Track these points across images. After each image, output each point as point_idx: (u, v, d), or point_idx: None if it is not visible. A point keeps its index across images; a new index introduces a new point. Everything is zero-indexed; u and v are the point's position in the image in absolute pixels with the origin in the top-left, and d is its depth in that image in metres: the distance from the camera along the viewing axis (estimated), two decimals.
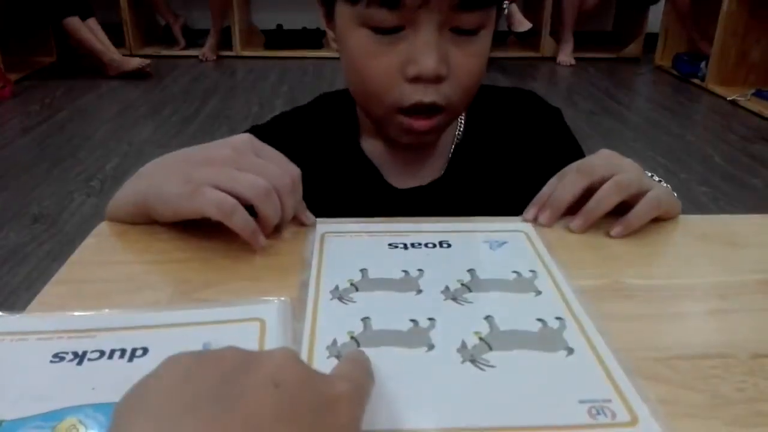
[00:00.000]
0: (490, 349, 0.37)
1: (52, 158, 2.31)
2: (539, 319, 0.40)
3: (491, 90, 0.72)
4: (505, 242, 0.50)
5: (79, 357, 0.35)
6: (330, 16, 0.59)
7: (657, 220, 0.52)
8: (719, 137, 2.69)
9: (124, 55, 3.67)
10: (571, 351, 0.37)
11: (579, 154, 0.69)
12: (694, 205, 2.01)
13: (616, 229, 0.50)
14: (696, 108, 3.19)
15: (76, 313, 0.39)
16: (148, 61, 3.44)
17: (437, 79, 0.54)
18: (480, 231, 0.52)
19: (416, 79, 0.54)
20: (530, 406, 0.33)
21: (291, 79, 3.44)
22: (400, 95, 0.56)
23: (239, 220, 0.45)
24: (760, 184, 2.21)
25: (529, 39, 3.85)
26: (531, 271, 0.46)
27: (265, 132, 0.61)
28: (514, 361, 0.36)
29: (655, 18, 3.90)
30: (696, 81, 3.47)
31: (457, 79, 0.55)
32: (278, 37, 4.00)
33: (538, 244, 0.50)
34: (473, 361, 0.36)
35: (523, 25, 3.49)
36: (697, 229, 0.51)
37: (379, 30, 0.54)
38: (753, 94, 3.14)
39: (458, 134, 0.67)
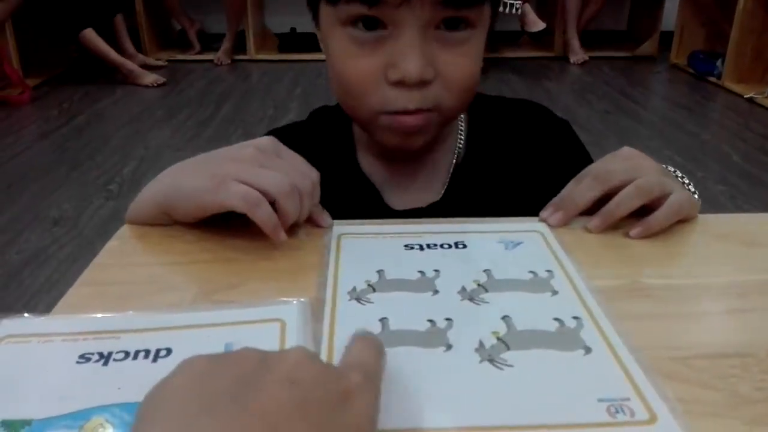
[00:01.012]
0: (508, 348, 0.37)
1: (71, 162, 2.34)
2: (556, 319, 0.40)
3: (497, 101, 0.70)
4: (520, 242, 0.50)
5: (105, 358, 0.36)
6: (317, 19, 0.58)
7: (679, 222, 0.52)
8: (736, 135, 2.66)
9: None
10: (588, 350, 0.37)
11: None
12: (711, 204, 2.00)
13: (635, 230, 0.50)
14: (712, 106, 3.16)
15: (100, 315, 0.39)
16: (163, 79, 3.48)
17: (422, 84, 0.52)
18: (495, 231, 0.52)
19: (400, 84, 0.52)
20: (549, 404, 0.33)
21: (305, 81, 3.46)
22: (384, 100, 0.53)
23: (263, 213, 0.45)
24: None
25: (543, 39, 3.84)
26: (547, 270, 0.46)
27: None
28: (532, 361, 0.36)
29: (670, 16, 3.87)
30: (712, 79, 3.44)
31: (446, 81, 0.53)
32: (292, 41, 4.02)
33: (553, 244, 0.50)
34: (491, 361, 0.36)
35: (536, 25, 3.47)
36: (714, 228, 0.51)
37: (361, 30, 0.52)
38: None
39: (459, 149, 0.65)
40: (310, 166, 0.49)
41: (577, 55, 3.87)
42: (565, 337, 0.38)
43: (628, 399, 0.33)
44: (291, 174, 0.47)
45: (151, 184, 0.54)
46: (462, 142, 0.65)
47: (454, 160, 0.64)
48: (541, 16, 3.56)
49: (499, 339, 0.38)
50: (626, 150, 0.54)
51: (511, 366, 0.36)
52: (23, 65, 3.22)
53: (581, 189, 0.51)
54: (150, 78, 3.45)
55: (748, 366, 0.36)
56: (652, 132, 2.76)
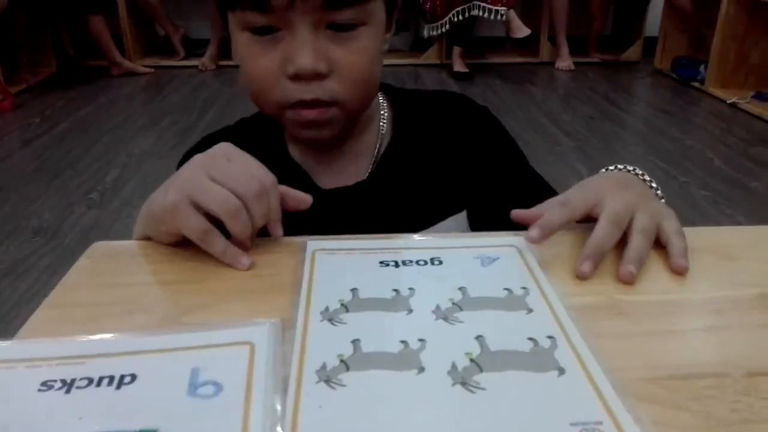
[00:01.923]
0: (481, 370, 0.36)
1: (52, 170, 2.31)
2: (530, 338, 0.39)
3: (419, 93, 0.74)
4: (497, 258, 0.50)
5: (68, 385, 0.35)
6: (228, 27, 0.61)
7: None
8: (719, 140, 2.69)
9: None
10: (562, 371, 0.37)
11: (513, 149, 0.71)
12: (694, 209, 2.01)
13: (681, 263, 0.48)
14: (695, 111, 3.19)
15: (65, 339, 0.38)
16: (152, 69, 3.61)
17: (317, 76, 0.56)
18: (472, 246, 0.51)
19: (296, 77, 0.56)
20: (520, 429, 0.33)
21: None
22: (284, 93, 0.58)
23: (217, 247, 0.48)
24: (760, 187, 2.20)
25: (528, 45, 3.86)
26: (523, 288, 0.45)
27: (197, 151, 0.61)
28: (505, 383, 0.36)
29: (654, 22, 3.91)
30: (696, 84, 3.47)
31: (341, 75, 0.57)
32: None
33: (530, 259, 0.49)
34: (464, 384, 0.35)
35: (521, 31, 3.48)
36: (690, 241, 0.50)
37: (257, 32, 0.56)
38: (753, 97, 3.14)
39: (381, 134, 0.68)
40: (263, 168, 0.50)
41: (565, 61, 3.90)
42: (538, 358, 0.38)
43: (600, 423, 0.33)
44: (238, 180, 0.47)
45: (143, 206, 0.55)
46: (384, 128, 0.68)
47: (378, 144, 0.68)
48: (526, 22, 3.58)
49: (472, 360, 0.37)
50: (598, 180, 0.55)
51: (483, 389, 0.35)
52: (5, 72, 3.19)
53: (605, 236, 0.49)
54: (140, 68, 3.68)
55: (725, 387, 0.36)
56: (635, 137, 2.78)
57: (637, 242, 0.48)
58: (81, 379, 0.35)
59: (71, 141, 2.65)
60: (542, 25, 3.95)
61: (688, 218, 1.96)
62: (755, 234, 0.56)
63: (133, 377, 0.35)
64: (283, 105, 0.59)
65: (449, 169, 0.66)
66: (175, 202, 0.47)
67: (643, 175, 0.59)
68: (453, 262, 0.49)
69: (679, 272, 0.48)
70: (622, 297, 0.45)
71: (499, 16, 3.43)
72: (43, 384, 0.35)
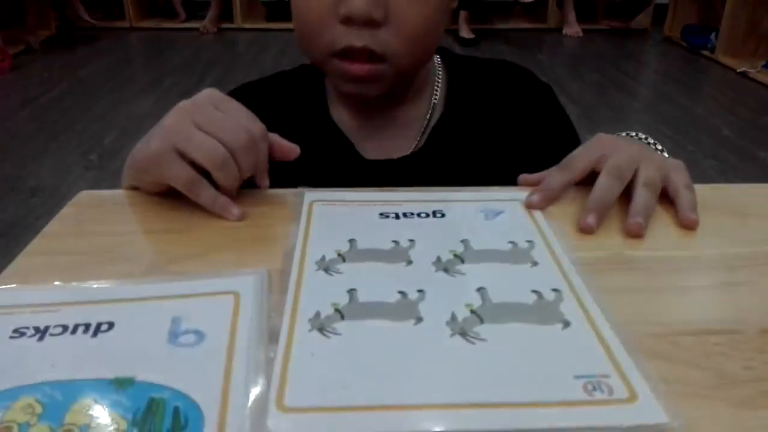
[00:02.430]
0: (482, 322, 0.35)
1: (51, 132, 2.29)
2: (534, 291, 0.38)
3: (478, 61, 0.68)
4: (501, 212, 0.47)
5: (41, 332, 0.33)
6: None
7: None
8: (728, 109, 2.64)
9: (122, 28, 3.64)
10: (567, 324, 0.35)
11: (571, 133, 0.66)
12: (702, 178, 1.97)
13: (691, 216, 0.46)
14: (705, 80, 3.13)
15: (39, 286, 0.36)
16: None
17: (370, 22, 0.51)
18: (476, 200, 0.49)
19: (348, 21, 0.51)
20: (522, 381, 0.31)
21: (292, 51, 3.39)
22: (332, 38, 0.53)
23: (206, 198, 0.46)
24: None
25: (536, 10, 3.78)
26: (528, 241, 0.43)
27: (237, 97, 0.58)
28: (507, 335, 0.34)
29: None
30: (705, 53, 3.40)
31: (397, 26, 0.52)
32: (280, 10, 3.93)
33: (536, 213, 0.47)
34: (463, 335, 0.34)
35: None
36: (703, 199, 0.48)
37: None
38: (763, 66, 3.07)
39: (434, 103, 0.63)
40: (252, 117, 0.47)
41: (573, 28, 3.83)
42: (542, 311, 0.36)
43: (607, 376, 0.31)
44: (225, 129, 0.44)
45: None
46: (437, 96, 0.64)
47: (429, 114, 0.63)
48: None
49: (472, 312, 0.36)
50: (603, 137, 0.51)
51: (483, 340, 0.33)
52: (3, 33, 3.14)
53: (605, 188, 0.46)
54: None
55: (736, 343, 0.34)
56: (643, 105, 2.74)
57: (641, 195, 0.46)
58: (55, 326, 0.33)
59: (70, 102, 2.62)
60: None
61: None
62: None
63: (111, 325, 0.33)
64: (331, 51, 0.54)
65: (503, 147, 0.61)
66: (159, 151, 0.44)
67: (647, 138, 0.56)
68: (456, 214, 0.47)
69: (689, 227, 0.46)
70: (631, 252, 0.43)
71: None
72: (15, 331, 0.33)
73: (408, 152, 0.62)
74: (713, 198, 0.50)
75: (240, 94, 0.63)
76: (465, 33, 3.59)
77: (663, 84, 3.10)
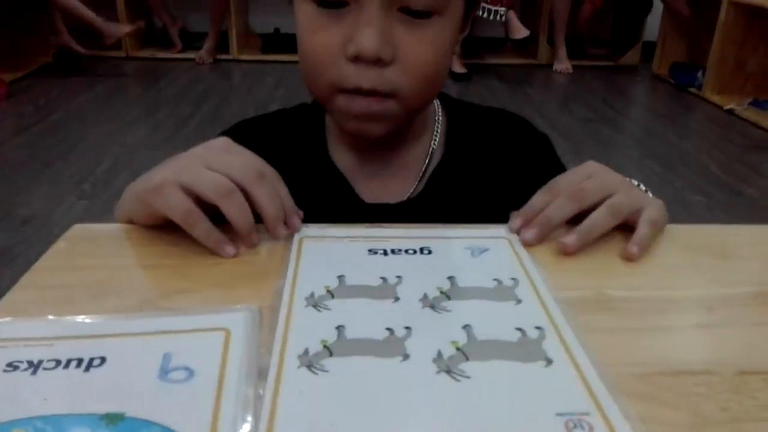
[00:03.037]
0: (467, 359, 0.36)
1: (44, 160, 2.29)
2: (518, 329, 0.38)
3: (477, 108, 0.70)
4: (487, 249, 0.49)
5: (34, 366, 0.33)
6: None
7: None
8: (715, 146, 2.68)
9: (119, 58, 3.67)
10: (549, 362, 0.36)
11: None
12: (689, 214, 2.00)
13: (633, 249, 0.48)
14: (693, 117, 3.19)
15: (33, 320, 0.37)
16: (141, 23, 3.53)
17: (378, 62, 0.51)
18: (462, 237, 0.50)
19: (356, 59, 0.51)
20: (505, 418, 0.32)
21: (287, 82, 3.43)
22: (340, 75, 0.53)
23: (201, 231, 0.46)
24: (755, 193, 2.20)
25: (527, 46, 3.85)
26: (512, 278, 0.44)
27: (234, 135, 0.59)
28: (491, 372, 0.35)
29: (653, 26, 3.91)
30: (693, 90, 3.47)
31: (405, 65, 0.52)
32: (275, 41, 3.99)
33: (521, 251, 0.48)
34: (449, 372, 0.35)
35: (520, 32, 3.48)
36: (684, 239, 0.49)
37: (323, 4, 0.52)
38: (750, 104, 3.13)
39: (433, 148, 0.64)
40: (264, 162, 0.48)
41: (563, 64, 3.90)
42: (525, 348, 0.37)
43: (587, 414, 0.32)
44: (233, 167, 0.45)
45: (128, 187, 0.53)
46: (436, 141, 0.65)
47: (428, 159, 0.64)
48: (526, 23, 3.57)
49: (458, 349, 0.36)
50: (591, 165, 0.52)
51: (468, 377, 0.34)
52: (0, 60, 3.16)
53: (556, 208, 0.49)
54: (127, 27, 3.49)
55: (714, 385, 0.35)
56: (632, 141, 2.78)
57: (596, 214, 0.48)
58: (48, 360, 0.34)
59: (64, 131, 2.63)
60: (541, 26, 3.94)
61: (683, 223, 1.95)
62: (750, 233, 0.55)
63: (103, 360, 0.34)
64: (337, 87, 0.54)
65: (499, 195, 0.61)
66: (161, 183, 0.45)
67: (630, 180, 0.58)
68: (443, 251, 0.48)
69: (628, 258, 0.48)
70: (613, 292, 0.44)
71: (498, 17, 3.43)
72: (9, 365, 0.33)
73: (406, 196, 0.63)
74: (694, 238, 0.52)
75: (240, 129, 0.65)
76: (457, 68, 3.65)
77: (651, 120, 3.15)
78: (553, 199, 0.50)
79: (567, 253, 0.48)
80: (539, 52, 4.02)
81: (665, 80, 3.71)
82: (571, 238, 0.48)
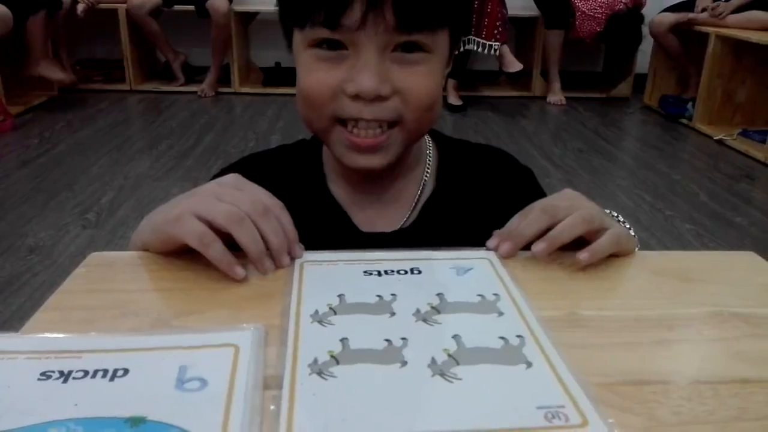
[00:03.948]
0: (458, 363, 0.40)
1: (49, 191, 2.34)
2: (501, 337, 0.43)
3: (465, 144, 0.75)
4: (470, 268, 0.53)
5: (65, 375, 0.38)
6: (291, 45, 0.62)
7: (614, 256, 0.55)
8: (705, 176, 2.74)
9: (122, 90, 3.75)
10: (530, 364, 0.41)
11: None
12: (679, 242, 2.05)
13: (584, 255, 0.53)
14: (683, 147, 3.25)
15: (63, 335, 0.42)
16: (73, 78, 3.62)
17: (378, 98, 0.56)
18: (448, 259, 0.55)
19: (357, 98, 0.56)
20: (493, 412, 0.36)
21: (288, 115, 3.50)
22: (341, 107, 0.57)
23: (215, 252, 0.49)
24: (744, 221, 2.25)
25: (520, 79, 3.94)
26: (494, 294, 0.49)
27: (233, 170, 0.64)
28: (479, 374, 0.40)
29: (644, 59, 4.00)
30: (684, 121, 3.55)
31: (404, 95, 0.57)
32: (276, 75, 4.08)
33: (500, 270, 0.53)
34: (442, 375, 0.39)
35: (514, 65, 3.57)
36: (651, 264, 0.54)
37: (322, 49, 0.56)
38: (739, 134, 3.21)
39: (425, 180, 0.69)
40: (271, 196, 0.53)
41: (556, 95, 3.98)
42: (508, 354, 0.42)
43: (563, 406, 0.37)
44: (243, 201, 0.50)
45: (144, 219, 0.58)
46: (428, 174, 0.69)
47: (420, 191, 0.68)
48: (519, 57, 3.67)
49: (449, 355, 0.41)
50: (568, 191, 0.57)
51: (460, 379, 0.39)
52: (6, 93, 3.24)
53: (529, 221, 0.54)
54: (60, 75, 3.50)
55: (669, 392, 0.39)
56: (623, 171, 2.83)
57: (567, 220, 0.53)
58: (78, 371, 0.38)
59: (69, 163, 2.69)
60: (535, 60, 4.04)
61: (672, 250, 2.00)
62: (711, 259, 0.60)
63: (126, 371, 0.38)
64: (338, 117, 0.58)
65: (487, 226, 0.63)
66: (179, 213, 0.50)
67: (610, 211, 0.62)
68: (431, 272, 0.53)
69: (576, 263, 0.53)
70: (583, 312, 0.48)
71: (492, 51, 3.52)
72: (42, 374, 0.38)
73: (399, 225, 0.67)
74: (661, 263, 0.57)
75: (245, 164, 0.70)
76: (453, 100, 3.74)
77: (642, 150, 3.22)
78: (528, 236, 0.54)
79: (536, 255, 0.53)
80: (533, 85, 4.11)
81: (656, 111, 3.79)
82: (541, 244, 0.53)
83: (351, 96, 0.56)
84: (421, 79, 0.57)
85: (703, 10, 3.49)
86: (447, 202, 0.68)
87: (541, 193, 0.71)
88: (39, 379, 0.37)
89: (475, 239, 0.62)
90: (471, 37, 3.48)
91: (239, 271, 0.50)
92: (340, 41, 0.56)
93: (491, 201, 0.69)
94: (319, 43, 0.57)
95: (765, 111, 3.12)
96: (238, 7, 3.88)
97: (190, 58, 4.17)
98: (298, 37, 0.59)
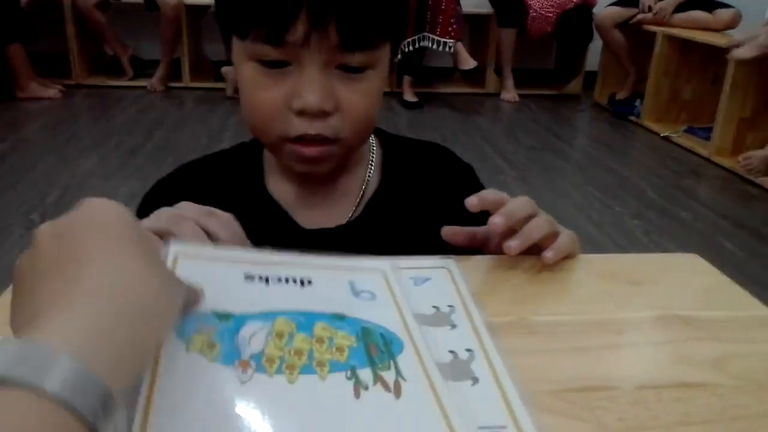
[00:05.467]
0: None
1: None
2: (451, 351, 0.43)
3: (408, 141, 0.76)
4: (428, 278, 0.53)
5: (265, 280, 0.45)
6: (229, 48, 0.61)
7: (565, 258, 0.56)
8: (653, 172, 2.83)
9: (68, 85, 3.65)
10: (476, 380, 0.40)
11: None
12: (627, 238, 2.11)
13: (548, 254, 0.54)
14: (632, 144, 3.35)
15: (252, 251, 0.49)
16: (60, 94, 3.65)
17: (322, 114, 0.57)
18: (408, 268, 0.54)
19: (302, 113, 0.57)
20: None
21: (239, 111, 3.43)
22: (287, 126, 0.58)
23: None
24: (689, 216, 2.33)
25: (474, 76, 3.99)
26: (449, 306, 0.49)
27: (169, 182, 0.63)
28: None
29: (594, 57, 4.09)
30: (632, 118, 3.64)
31: (346, 113, 0.58)
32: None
33: (459, 280, 0.53)
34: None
35: (468, 63, 3.60)
36: (600, 268, 0.55)
37: (266, 64, 0.56)
38: (685, 131, 3.32)
39: (369, 177, 0.70)
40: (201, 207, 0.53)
41: (510, 93, 4.04)
42: (456, 368, 0.41)
43: (505, 427, 0.37)
44: (187, 210, 0.51)
45: None
46: (372, 171, 0.70)
47: (364, 186, 0.69)
48: (474, 54, 3.70)
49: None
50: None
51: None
52: None
53: (538, 224, 0.55)
54: (50, 92, 3.59)
55: (615, 398, 0.40)
56: (574, 168, 2.90)
57: (535, 220, 0.54)
58: (273, 277, 0.45)
59: (12, 161, 2.59)
60: (488, 57, 4.09)
61: (621, 246, 2.05)
62: (660, 261, 0.61)
63: (310, 281, 0.46)
64: (285, 138, 0.59)
65: (430, 219, 0.64)
66: None
67: None
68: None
69: (544, 262, 0.54)
70: (534, 318, 0.49)
71: (447, 48, 3.54)
72: (247, 276, 0.44)
73: (344, 221, 0.67)
74: (609, 267, 0.58)
75: (180, 174, 0.69)
76: (409, 97, 3.75)
77: (593, 147, 3.30)
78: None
79: (510, 254, 0.53)
80: (487, 82, 4.16)
81: (606, 108, 3.88)
82: (514, 242, 0.53)
83: (297, 112, 0.57)
84: (360, 97, 0.58)
85: (649, 8, 3.58)
86: (391, 198, 0.69)
87: (481, 189, 0.73)
88: (246, 280, 0.44)
89: (419, 232, 0.64)
90: (426, 33, 3.50)
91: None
92: (283, 57, 0.56)
93: (434, 196, 0.70)
94: (261, 58, 0.56)
95: (709, 108, 3.23)
96: (189, 0, 3.79)
97: (139, 52, 4.06)
98: (237, 44, 0.58)
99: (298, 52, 0.55)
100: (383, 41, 0.58)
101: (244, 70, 0.58)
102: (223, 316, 0.41)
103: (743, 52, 2.84)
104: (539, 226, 0.54)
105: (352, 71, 0.57)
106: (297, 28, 0.53)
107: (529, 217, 0.55)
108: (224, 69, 3.55)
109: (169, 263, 0.46)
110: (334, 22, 0.53)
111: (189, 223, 0.49)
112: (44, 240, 0.34)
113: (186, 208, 0.52)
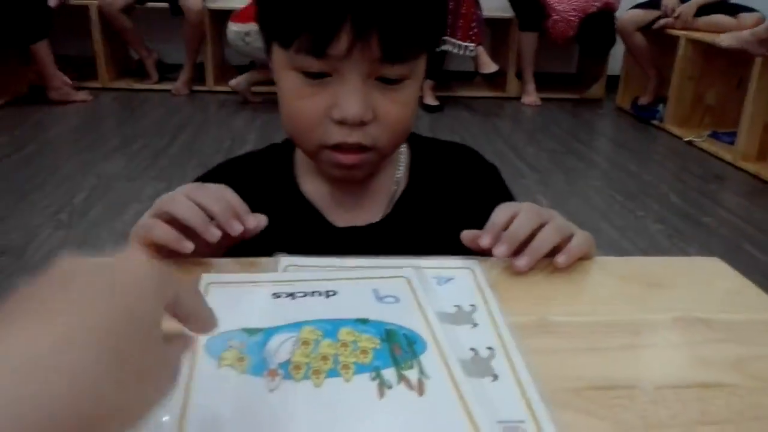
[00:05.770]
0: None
1: (20, 191, 2.31)
2: (472, 348, 0.44)
3: (435, 142, 0.77)
4: (452, 278, 0.54)
5: (291, 295, 0.49)
6: (270, 56, 0.63)
7: (581, 260, 0.57)
8: (675, 176, 2.80)
9: (94, 88, 3.71)
10: (496, 377, 0.42)
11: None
12: (650, 242, 2.09)
13: (560, 258, 0.55)
14: (654, 148, 3.32)
15: (272, 274, 0.53)
16: (90, 97, 3.71)
17: (361, 124, 0.58)
18: (431, 268, 0.55)
19: (341, 122, 0.58)
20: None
21: (263, 114, 3.49)
22: (326, 134, 0.60)
23: (159, 233, 0.52)
24: (712, 222, 2.31)
25: (496, 80, 3.98)
26: (471, 305, 0.50)
27: (206, 180, 0.65)
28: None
29: (616, 60, 4.07)
30: (655, 122, 3.61)
31: (383, 122, 0.60)
32: None
33: (481, 280, 0.54)
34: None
35: (489, 66, 3.60)
36: (618, 270, 0.56)
37: (308, 75, 0.58)
38: (709, 136, 3.28)
39: (398, 177, 0.71)
40: (225, 187, 0.56)
41: (531, 97, 4.02)
42: (477, 366, 0.43)
43: (523, 421, 0.38)
44: (181, 189, 0.54)
45: None
46: (401, 172, 0.72)
47: (395, 187, 0.71)
48: (495, 58, 3.70)
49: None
50: (527, 204, 0.59)
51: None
52: None
53: (522, 222, 0.55)
54: (81, 95, 3.64)
55: (634, 397, 0.41)
56: (595, 172, 2.88)
57: (543, 233, 0.55)
58: (299, 292, 0.49)
59: (40, 162, 2.65)
60: (510, 61, 4.08)
61: (643, 250, 2.04)
62: (680, 264, 0.62)
63: (335, 292, 0.49)
64: (324, 145, 0.61)
65: (456, 218, 0.65)
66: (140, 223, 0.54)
67: None
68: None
69: (556, 265, 0.55)
70: (554, 317, 0.50)
71: (468, 52, 3.55)
72: (274, 294, 0.49)
73: (375, 220, 0.69)
74: (627, 269, 0.58)
75: (214, 173, 0.71)
76: (430, 100, 3.76)
77: (614, 151, 3.27)
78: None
79: (520, 271, 0.54)
80: (508, 86, 4.15)
81: (628, 112, 3.85)
82: (521, 261, 0.54)
83: (337, 121, 0.58)
84: (399, 107, 0.60)
85: (672, 10, 3.55)
86: (419, 197, 0.71)
87: (505, 189, 0.75)
88: (273, 297, 0.49)
89: (445, 232, 0.64)
90: (447, 38, 3.50)
91: (187, 244, 0.52)
92: (324, 69, 0.57)
93: (460, 195, 0.72)
94: (303, 69, 0.58)
95: (733, 113, 3.18)
96: (212, 5, 3.84)
97: (164, 56, 4.12)
98: (279, 53, 0.59)
99: (340, 64, 0.56)
100: (422, 53, 0.60)
101: (286, 79, 0.59)
102: (252, 331, 0.45)
103: (723, 39, 3.01)
104: (547, 239, 0.55)
105: (390, 82, 0.58)
106: (340, 40, 0.54)
107: (539, 227, 0.55)
108: (232, 82, 3.59)
109: (202, 291, 0.51)
110: (377, 35, 0.54)
111: (180, 202, 0.53)
112: (44, 276, 0.28)
113: (180, 189, 0.55)
